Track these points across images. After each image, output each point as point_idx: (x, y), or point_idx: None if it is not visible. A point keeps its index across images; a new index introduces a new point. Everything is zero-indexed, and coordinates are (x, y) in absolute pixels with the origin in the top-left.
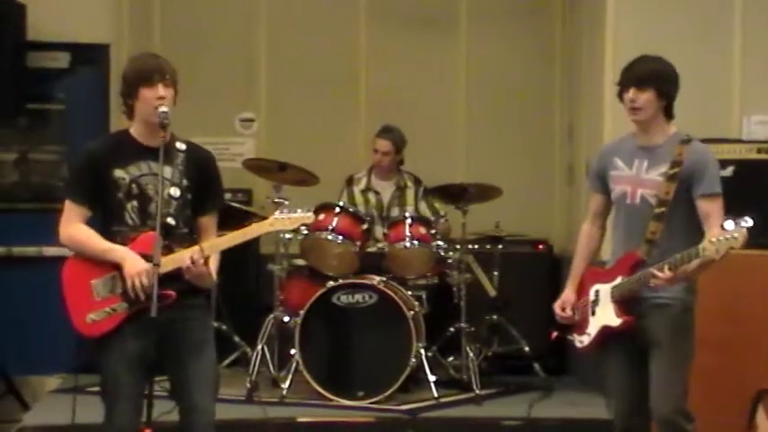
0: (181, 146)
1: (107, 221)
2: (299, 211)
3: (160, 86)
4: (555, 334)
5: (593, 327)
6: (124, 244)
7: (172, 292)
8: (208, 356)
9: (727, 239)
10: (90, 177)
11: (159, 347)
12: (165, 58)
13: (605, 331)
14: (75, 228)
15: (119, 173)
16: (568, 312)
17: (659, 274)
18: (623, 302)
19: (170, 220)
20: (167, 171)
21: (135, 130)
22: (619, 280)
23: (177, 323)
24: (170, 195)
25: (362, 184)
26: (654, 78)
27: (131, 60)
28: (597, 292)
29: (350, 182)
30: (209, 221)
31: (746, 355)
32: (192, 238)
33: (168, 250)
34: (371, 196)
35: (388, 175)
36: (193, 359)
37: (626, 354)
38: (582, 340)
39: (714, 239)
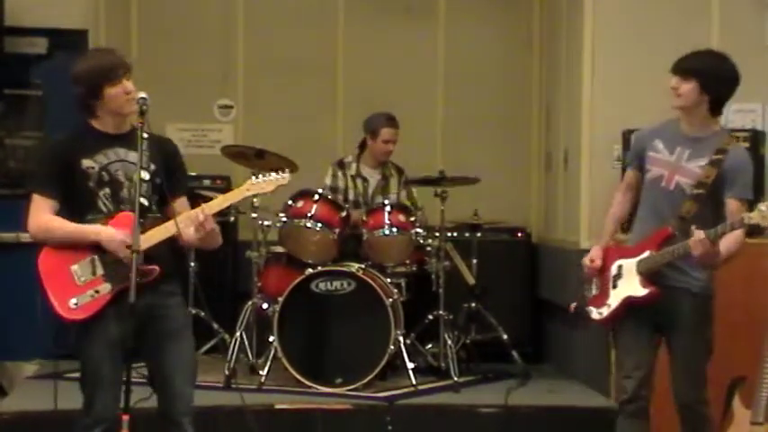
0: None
1: (80, 212)
2: (272, 174)
3: (124, 82)
4: (573, 305)
5: (615, 299)
6: None
7: (155, 267)
8: (187, 342)
9: None
10: (57, 169)
11: (139, 333)
12: (143, 44)
13: (628, 302)
14: (48, 218)
15: (87, 162)
16: (598, 263)
17: (700, 235)
18: (649, 275)
19: (143, 201)
20: (134, 156)
21: (98, 122)
22: (647, 254)
23: (156, 309)
24: (140, 179)
25: (353, 170)
26: (699, 72)
27: (86, 60)
28: (620, 266)
29: (342, 165)
30: (183, 203)
31: (723, 343)
32: (162, 222)
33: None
34: (359, 183)
35: (377, 164)
36: (174, 345)
37: (644, 329)
38: (601, 312)
39: (764, 208)
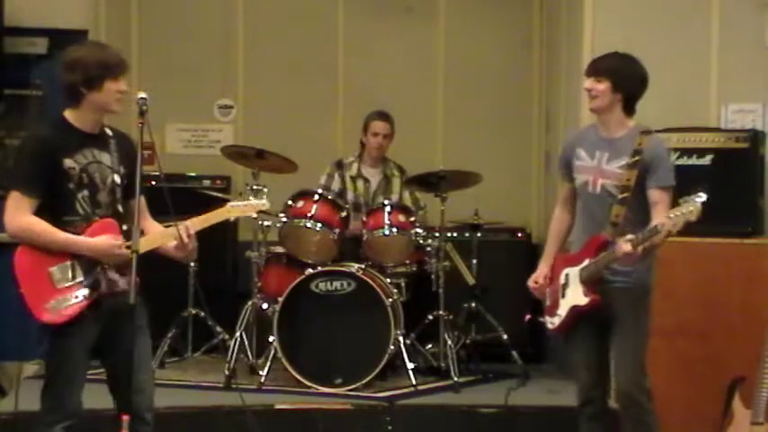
0: (109, 132)
1: (56, 212)
2: (251, 198)
3: (123, 81)
4: (528, 316)
5: (564, 308)
6: (76, 234)
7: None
8: (148, 341)
9: (683, 213)
10: (43, 167)
11: (104, 332)
12: (143, 44)
13: (574, 311)
14: (32, 220)
15: (68, 162)
16: (541, 284)
17: (624, 247)
18: (590, 283)
19: (119, 207)
20: (106, 158)
21: (74, 117)
22: (586, 262)
23: (124, 309)
24: (114, 182)
25: (353, 170)
26: (610, 71)
27: (88, 48)
28: (567, 275)
29: (340, 165)
30: (142, 201)
31: (723, 343)
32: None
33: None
34: (360, 183)
35: (376, 163)
36: (136, 344)
37: (591, 331)
38: (553, 321)
39: (672, 215)
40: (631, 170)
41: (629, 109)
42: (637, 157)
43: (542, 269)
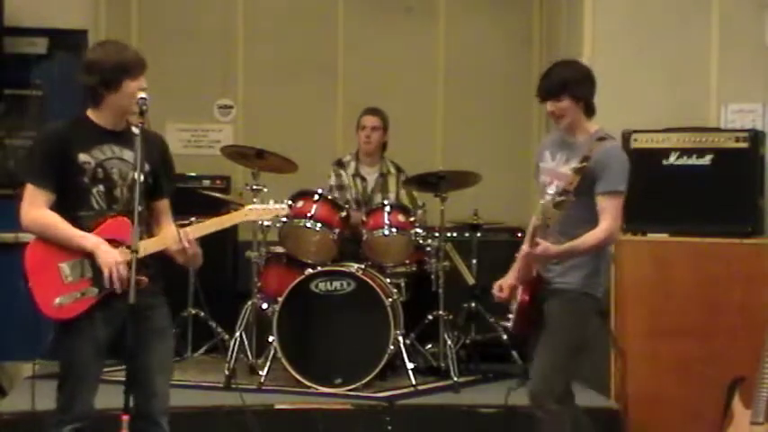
0: (135, 130)
1: (70, 206)
2: (270, 202)
3: (142, 78)
4: (492, 319)
5: (515, 308)
6: (89, 229)
7: (144, 278)
8: (170, 343)
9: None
10: (55, 161)
11: (122, 332)
12: (143, 44)
13: (517, 311)
14: (43, 212)
15: (83, 156)
16: (505, 293)
17: (522, 247)
18: (525, 283)
19: (138, 207)
20: (129, 155)
21: (96, 115)
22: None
23: (142, 310)
24: (134, 180)
25: (352, 168)
26: (565, 86)
27: (106, 49)
28: None
29: (341, 164)
30: (166, 204)
31: (723, 343)
32: (148, 222)
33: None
34: (358, 182)
35: (373, 161)
36: (158, 345)
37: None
38: (508, 324)
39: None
40: (576, 175)
41: (588, 112)
42: (584, 164)
43: (508, 276)
